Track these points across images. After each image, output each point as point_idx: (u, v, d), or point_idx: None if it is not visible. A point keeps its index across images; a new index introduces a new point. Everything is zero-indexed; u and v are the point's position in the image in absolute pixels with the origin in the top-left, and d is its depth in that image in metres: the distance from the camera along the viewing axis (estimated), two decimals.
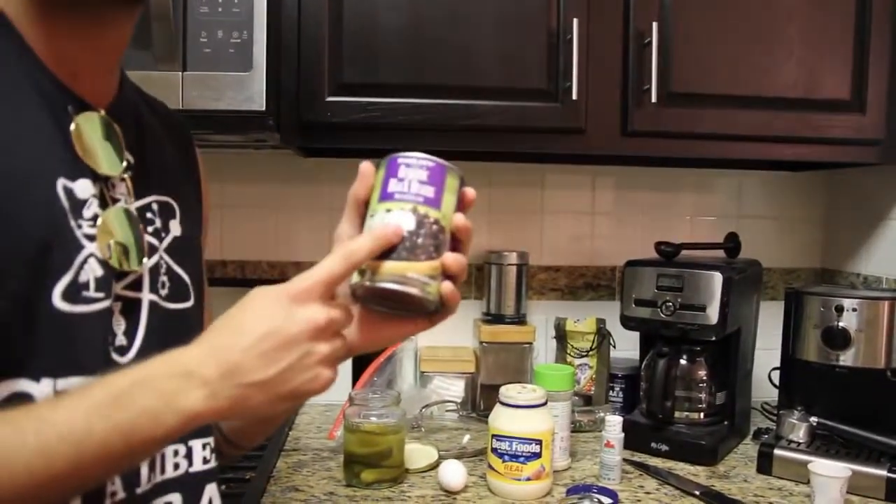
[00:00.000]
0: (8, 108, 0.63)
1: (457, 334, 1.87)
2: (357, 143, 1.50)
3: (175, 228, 0.80)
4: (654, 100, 1.46)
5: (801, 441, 1.44)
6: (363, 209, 0.75)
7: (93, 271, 0.66)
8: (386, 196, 0.73)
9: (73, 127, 0.68)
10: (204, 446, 0.79)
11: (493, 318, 1.79)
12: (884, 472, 1.31)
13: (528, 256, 1.82)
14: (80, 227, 0.66)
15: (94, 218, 0.67)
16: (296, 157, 1.81)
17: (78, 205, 0.66)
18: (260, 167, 1.84)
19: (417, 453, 1.44)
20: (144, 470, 0.71)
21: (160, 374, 0.61)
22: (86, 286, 0.65)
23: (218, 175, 1.81)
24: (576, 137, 1.49)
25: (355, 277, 0.71)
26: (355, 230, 0.75)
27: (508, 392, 1.32)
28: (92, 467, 0.59)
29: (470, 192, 0.76)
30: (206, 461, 0.78)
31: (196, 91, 1.33)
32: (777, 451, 1.42)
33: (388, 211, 0.71)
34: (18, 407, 0.59)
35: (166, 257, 0.78)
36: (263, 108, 1.34)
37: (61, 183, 0.65)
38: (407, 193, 0.72)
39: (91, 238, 0.67)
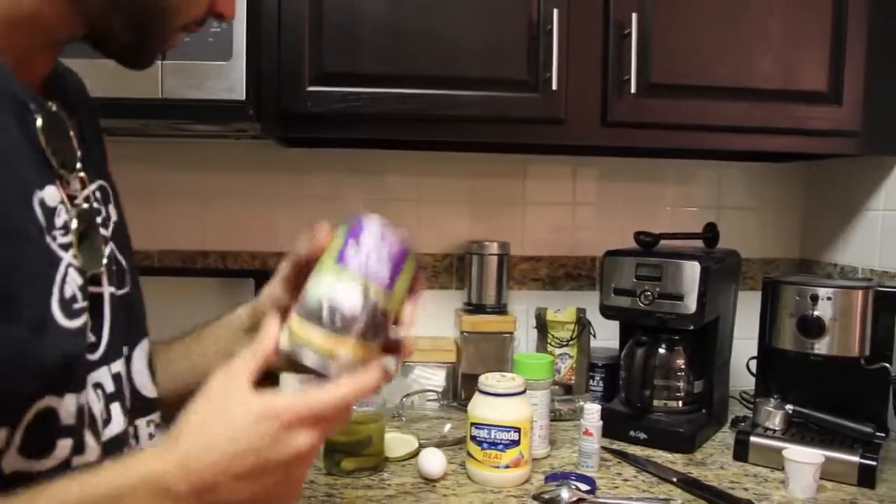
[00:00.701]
0: None
1: (438, 324, 1.88)
2: (337, 132, 1.50)
3: (113, 213, 0.79)
4: (633, 91, 1.47)
5: (776, 428, 1.46)
6: (305, 269, 0.74)
7: (73, 282, 0.64)
8: (342, 260, 0.71)
9: (39, 124, 0.65)
10: (148, 423, 0.78)
11: (474, 307, 1.80)
12: (856, 458, 1.33)
13: (509, 247, 1.83)
14: (54, 238, 0.63)
15: (65, 226, 0.65)
16: (277, 148, 1.80)
17: (50, 215, 0.63)
18: (241, 157, 1.83)
19: (397, 442, 1.45)
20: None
21: (136, 493, 0.59)
22: (72, 300, 0.63)
23: (199, 165, 1.82)
24: (556, 128, 1.50)
25: (283, 340, 0.68)
26: (286, 294, 0.77)
27: (487, 380, 1.33)
28: None
29: (421, 280, 0.77)
30: (151, 437, 0.77)
31: (175, 80, 1.33)
32: (753, 439, 1.44)
33: (338, 279, 0.69)
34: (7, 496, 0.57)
35: (112, 245, 0.76)
36: (243, 98, 1.34)
37: (37, 196, 0.62)
38: (362, 267, 0.70)
39: (65, 247, 0.64)
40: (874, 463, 1.32)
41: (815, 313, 1.42)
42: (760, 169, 1.99)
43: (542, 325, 1.81)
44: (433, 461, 1.31)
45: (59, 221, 0.64)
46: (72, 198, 0.68)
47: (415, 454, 1.39)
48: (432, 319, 1.89)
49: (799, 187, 2.00)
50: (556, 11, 1.44)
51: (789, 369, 1.53)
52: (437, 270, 1.90)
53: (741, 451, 1.45)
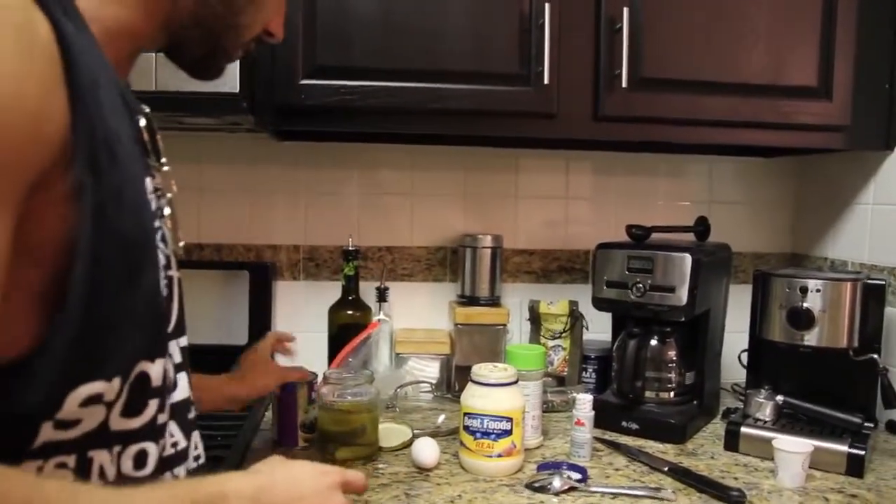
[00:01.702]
0: (119, 114, 0.67)
1: (432, 316, 1.89)
2: (331, 125, 1.52)
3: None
4: (624, 85, 1.48)
5: (767, 419, 1.48)
6: None
7: (161, 261, 0.73)
8: None
9: (143, 124, 0.75)
10: (191, 402, 0.85)
11: (468, 300, 1.82)
12: (845, 448, 1.35)
13: (502, 240, 1.84)
14: (153, 222, 0.72)
15: (157, 211, 0.74)
16: (271, 141, 1.82)
17: (151, 202, 0.73)
18: (236, 151, 1.84)
19: (392, 432, 1.46)
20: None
21: (236, 494, 0.71)
22: (159, 274, 0.72)
23: (194, 158, 1.83)
24: (547, 122, 1.51)
25: None
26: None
27: (480, 371, 1.34)
28: None
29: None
30: (192, 412, 0.86)
31: (169, 72, 1.31)
32: (744, 429, 1.46)
33: None
34: (112, 488, 0.66)
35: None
36: (237, 91, 1.34)
37: (148, 183, 0.72)
38: None
39: (157, 231, 0.73)
40: (862, 452, 1.33)
41: (805, 305, 1.44)
42: (751, 164, 2.00)
43: (536, 318, 1.82)
44: (427, 451, 1.32)
45: (153, 207, 0.73)
46: (158, 190, 0.78)
47: (409, 444, 1.40)
48: (426, 312, 1.90)
49: (789, 182, 2.02)
50: (547, 6, 1.45)
51: (779, 361, 1.55)
52: (430, 263, 1.92)
53: (732, 442, 1.47)
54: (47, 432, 0.62)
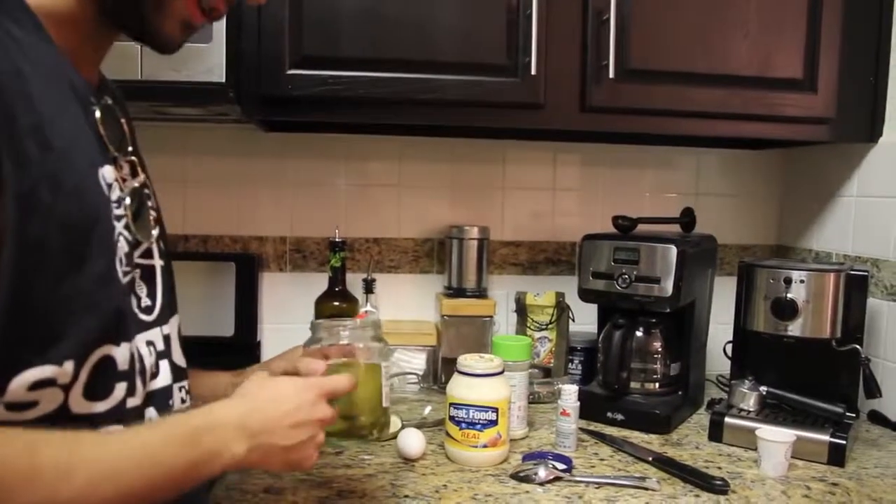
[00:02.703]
0: (60, 104, 0.68)
1: (418, 308, 1.90)
2: (318, 116, 1.52)
3: (152, 201, 0.89)
4: (611, 76, 1.49)
5: (751, 409, 1.49)
6: None
7: (122, 248, 0.73)
8: None
9: (98, 115, 0.75)
10: (180, 388, 0.87)
11: (455, 291, 1.82)
12: (826, 437, 1.36)
13: (488, 231, 1.84)
14: (111, 209, 0.72)
15: (118, 200, 0.75)
16: (258, 132, 1.81)
17: (108, 189, 0.73)
18: (223, 142, 1.84)
19: None
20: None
21: (222, 423, 0.74)
22: (120, 262, 0.73)
23: (181, 149, 1.83)
24: (534, 112, 1.52)
25: None
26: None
27: (466, 361, 1.34)
28: (159, 489, 0.68)
29: None
30: (183, 401, 0.88)
31: (155, 62, 1.33)
32: (727, 419, 1.47)
33: None
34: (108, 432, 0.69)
35: (156, 227, 0.87)
36: (223, 80, 1.34)
37: (101, 172, 0.72)
38: None
39: (118, 218, 0.74)
40: (843, 442, 1.34)
41: (789, 296, 1.45)
42: (738, 156, 2.01)
43: (522, 309, 1.83)
44: (412, 441, 1.32)
45: (113, 196, 0.74)
46: (123, 179, 0.79)
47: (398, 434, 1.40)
48: (413, 303, 1.91)
49: (775, 174, 2.03)
50: None
51: (763, 351, 1.56)
52: (417, 255, 1.92)
53: (716, 432, 1.48)
54: (1, 413, 0.63)
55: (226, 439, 0.73)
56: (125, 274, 0.74)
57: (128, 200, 0.77)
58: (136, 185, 0.81)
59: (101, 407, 0.70)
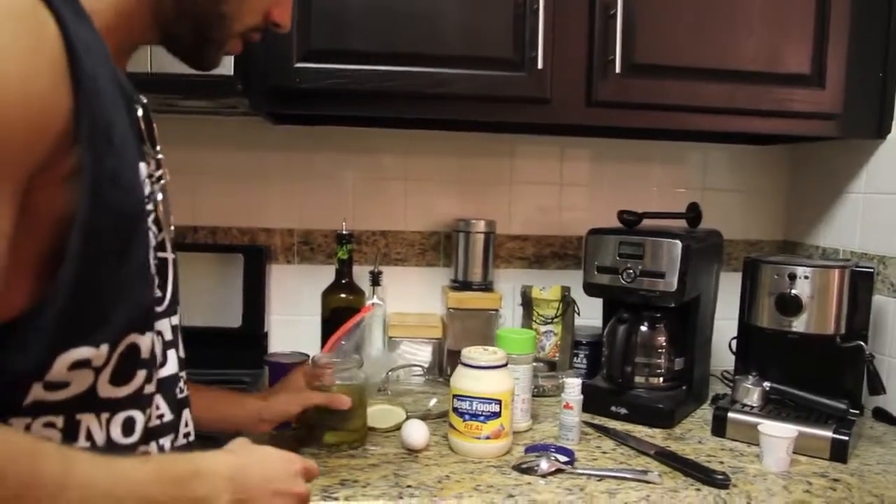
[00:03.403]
0: (117, 102, 0.71)
1: (425, 301, 1.91)
2: (325, 109, 1.52)
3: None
4: (618, 71, 1.49)
5: (754, 405, 1.49)
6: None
7: (152, 242, 0.77)
8: None
9: (140, 114, 0.79)
10: (181, 378, 0.89)
11: (461, 284, 1.83)
12: (829, 434, 1.36)
13: (495, 225, 1.85)
14: (146, 205, 0.76)
15: (150, 195, 0.78)
16: (266, 125, 1.82)
17: (144, 185, 0.76)
18: (231, 134, 1.85)
19: (386, 413, 1.48)
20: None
21: (213, 472, 0.76)
22: (151, 255, 0.77)
23: (190, 141, 1.84)
24: (541, 107, 1.52)
25: None
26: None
27: (470, 353, 1.35)
28: None
29: None
30: (182, 391, 0.89)
31: (164, 55, 1.32)
32: (731, 414, 1.47)
33: None
34: (102, 456, 0.69)
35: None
36: (232, 73, 1.35)
37: (142, 167, 0.76)
38: None
39: (149, 213, 0.77)
40: (846, 438, 1.35)
41: (793, 292, 1.45)
42: (745, 151, 2.01)
43: (528, 303, 1.83)
44: (417, 433, 1.34)
45: (146, 191, 0.77)
46: (150, 175, 0.81)
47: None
48: (419, 296, 1.92)
49: (783, 170, 2.03)
50: None
51: (768, 347, 1.56)
52: (424, 248, 1.93)
53: (719, 427, 1.48)
54: (37, 392, 0.66)
55: (215, 488, 0.75)
56: (155, 266, 0.77)
57: (159, 196, 0.81)
58: (163, 182, 0.84)
59: (123, 392, 0.73)
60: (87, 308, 0.67)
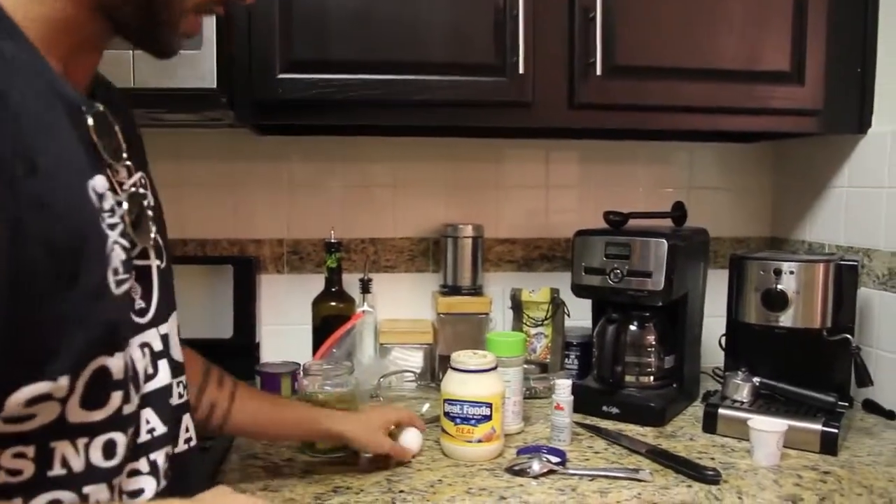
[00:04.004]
0: (47, 121, 0.67)
1: (415, 306, 1.91)
2: (309, 119, 1.53)
3: (152, 199, 0.88)
4: (599, 73, 1.50)
5: (744, 400, 1.50)
6: None
7: (118, 256, 0.73)
8: None
9: (91, 123, 0.74)
10: (178, 384, 0.87)
11: (450, 289, 1.84)
12: (818, 427, 1.37)
13: (483, 229, 1.86)
14: (103, 220, 0.71)
15: (112, 209, 0.73)
16: (253, 136, 1.83)
17: (99, 199, 0.71)
18: (218, 146, 1.85)
19: None
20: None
21: None
22: (115, 272, 0.72)
23: (176, 154, 1.84)
24: (523, 111, 1.53)
25: None
26: None
27: (459, 357, 1.36)
28: None
29: None
30: (181, 396, 0.88)
31: (147, 69, 1.34)
32: (721, 411, 1.48)
33: None
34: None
35: (153, 226, 0.86)
36: (215, 86, 1.36)
37: (90, 184, 0.70)
38: None
39: (112, 227, 0.72)
40: (835, 431, 1.36)
41: (779, 287, 1.46)
42: (730, 150, 2.02)
43: (518, 306, 1.84)
44: (410, 438, 1.34)
45: (106, 205, 0.72)
46: (120, 184, 0.79)
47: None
48: (409, 302, 1.92)
49: (767, 167, 2.04)
50: None
51: (756, 343, 1.57)
52: (413, 254, 1.94)
53: (710, 423, 1.49)
54: None
55: None
56: (120, 283, 0.73)
57: (125, 206, 0.77)
58: (133, 189, 0.80)
59: (98, 416, 0.70)
60: (29, 344, 0.63)
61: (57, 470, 0.67)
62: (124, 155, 0.80)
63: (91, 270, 0.68)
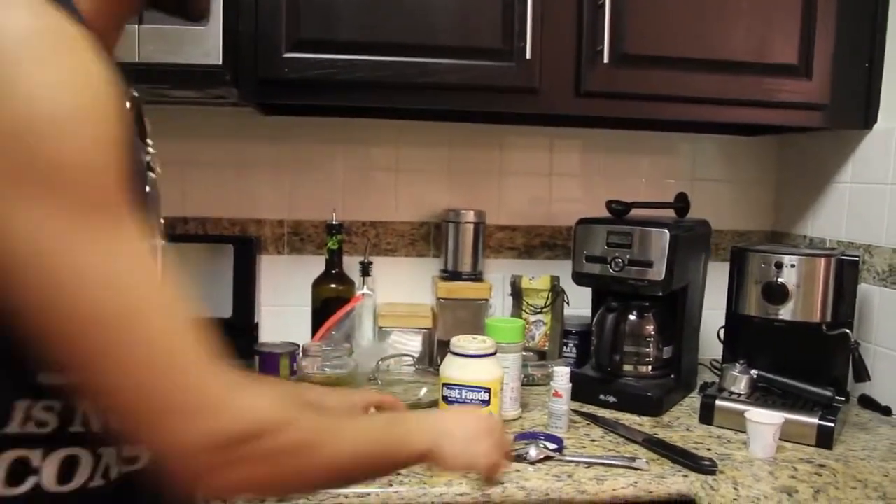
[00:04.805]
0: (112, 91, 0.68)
1: (415, 291, 1.91)
2: (314, 99, 1.53)
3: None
4: (606, 61, 1.49)
5: (741, 392, 1.51)
6: None
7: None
8: None
9: (127, 105, 0.75)
10: None
11: (451, 274, 1.83)
12: (815, 420, 1.38)
13: (484, 215, 1.86)
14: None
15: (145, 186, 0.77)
16: (257, 115, 1.82)
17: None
18: (222, 125, 1.85)
19: None
20: None
21: (428, 429, 0.86)
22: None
23: (180, 132, 1.84)
24: (529, 97, 1.52)
25: None
26: None
27: (459, 342, 1.36)
28: (365, 465, 0.79)
29: None
30: None
31: (152, 45, 1.34)
32: (718, 402, 1.48)
33: None
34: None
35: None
36: (220, 63, 1.35)
37: (144, 159, 0.76)
38: None
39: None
40: (831, 425, 1.36)
41: (780, 280, 1.46)
42: (734, 142, 2.02)
43: (517, 293, 1.84)
44: None
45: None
46: (148, 165, 0.81)
47: None
48: (409, 286, 1.92)
49: (771, 160, 2.04)
50: None
51: (755, 335, 1.57)
52: (414, 238, 1.93)
53: (707, 415, 1.49)
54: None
55: (431, 433, 0.85)
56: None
57: (149, 188, 0.79)
58: (153, 176, 0.83)
59: None
60: None
61: (76, 426, 0.69)
62: (149, 141, 0.82)
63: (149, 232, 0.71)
